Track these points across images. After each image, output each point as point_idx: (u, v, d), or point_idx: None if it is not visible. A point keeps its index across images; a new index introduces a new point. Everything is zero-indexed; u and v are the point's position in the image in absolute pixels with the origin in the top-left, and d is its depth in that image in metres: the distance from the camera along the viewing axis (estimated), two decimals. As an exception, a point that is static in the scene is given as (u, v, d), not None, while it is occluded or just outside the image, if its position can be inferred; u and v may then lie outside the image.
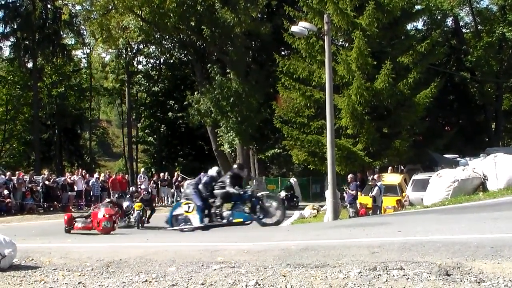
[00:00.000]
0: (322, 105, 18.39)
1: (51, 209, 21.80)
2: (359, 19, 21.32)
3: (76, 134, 43.36)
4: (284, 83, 23.09)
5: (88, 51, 43.60)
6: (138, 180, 27.39)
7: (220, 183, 12.12)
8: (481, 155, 22.16)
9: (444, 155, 26.84)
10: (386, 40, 22.86)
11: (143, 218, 17.10)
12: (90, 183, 23.59)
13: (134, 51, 39.47)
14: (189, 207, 12.05)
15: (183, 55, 37.36)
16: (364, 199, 17.25)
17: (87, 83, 43.68)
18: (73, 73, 42.27)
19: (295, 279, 4.26)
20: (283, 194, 24.26)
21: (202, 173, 13.17)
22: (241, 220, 11.85)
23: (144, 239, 8.74)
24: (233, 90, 26.38)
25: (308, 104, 22.80)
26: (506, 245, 5.08)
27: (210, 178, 12.25)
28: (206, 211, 12.03)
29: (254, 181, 29.18)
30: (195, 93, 29.26)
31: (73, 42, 42.33)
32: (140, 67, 43.66)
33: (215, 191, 12.05)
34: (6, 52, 39.05)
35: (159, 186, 26.12)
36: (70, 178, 23.78)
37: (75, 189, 23.10)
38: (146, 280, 4.50)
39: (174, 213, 12.45)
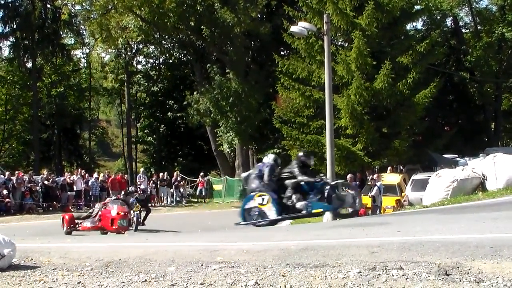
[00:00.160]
0: (322, 105, 18.39)
1: (51, 209, 21.82)
2: (358, 19, 21.31)
3: (76, 134, 43.34)
4: (284, 83, 23.09)
5: (87, 51, 43.64)
6: (137, 180, 27.39)
7: (288, 173, 11.58)
8: (480, 155, 22.15)
9: (444, 155, 26.84)
10: (385, 40, 22.86)
11: (139, 220, 16.27)
12: (90, 183, 23.61)
13: (134, 51, 39.51)
14: (263, 199, 11.33)
15: (182, 55, 37.38)
16: (364, 199, 17.23)
17: (87, 83, 43.66)
18: (73, 73, 42.26)
19: (294, 279, 4.26)
20: None
21: (260, 164, 12.35)
22: (320, 210, 11.36)
23: (143, 239, 8.74)
24: (233, 90, 26.40)
25: (308, 104, 22.79)
26: (505, 245, 5.09)
27: (271, 168, 11.61)
28: None
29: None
30: (195, 93, 29.28)
31: (72, 42, 42.32)
32: (139, 67, 43.73)
33: (286, 181, 11.44)
34: (6, 52, 39.11)
35: (158, 186, 26.14)
36: (69, 178, 23.79)
37: (75, 189, 23.12)
38: (145, 280, 4.49)
39: (246, 207, 11.70)
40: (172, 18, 26.85)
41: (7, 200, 20.34)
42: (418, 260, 4.72)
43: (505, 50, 35.86)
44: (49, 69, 38.61)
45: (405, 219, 10.72)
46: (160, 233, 12.89)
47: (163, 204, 25.80)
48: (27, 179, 21.92)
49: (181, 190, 27.75)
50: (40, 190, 21.86)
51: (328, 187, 11.29)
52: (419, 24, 36.45)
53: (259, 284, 4.14)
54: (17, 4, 35.34)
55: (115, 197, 16.92)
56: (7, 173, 22.32)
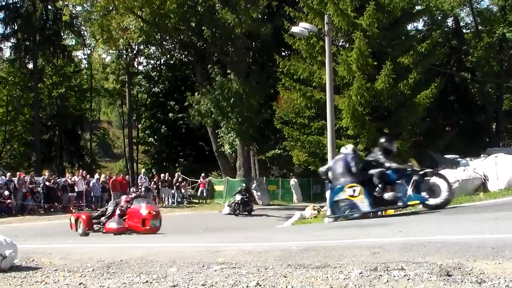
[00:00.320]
0: (323, 106, 18.37)
1: (52, 210, 21.86)
2: (359, 19, 21.31)
3: (77, 135, 43.40)
4: (285, 84, 23.10)
5: (88, 52, 43.76)
6: (138, 181, 27.44)
7: (372, 161, 10.95)
8: (481, 155, 22.11)
9: (445, 156, 26.83)
10: (386, 41, 22.84)
11: None
12: (91, 184, 23.63)
13: (135, 52, 39.55)
14: (354, 191, 10.64)
15: (183, 56, 37.42)
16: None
17: (88, 84, 43.73)
18: (74, 74, 42.36)
19: (295, 279, 4.26)
20: (238, 198, 22.09)
21: (341, 155, 11.45)
22: (417, 202, 10.64)
23: (145, 240, 8.75)
24: (234, 91, 26.39)
25: (309, 105, 22.78)
26: (507, 245, 5.08)
27: (354, 157, 10.94)
28: None
29: (254, 181, 29.22)
30: (196, 94, 29.27)
31: (73, 43, 42.44)
32: (140, 68, 43.81)
33: (371, 171, 10.79)
34: (7, 53, 39.23)
35: (159, 187, 26.16)
36: (70, 179, 23.82)
37: (76, 190, 23.13)
38: (147, 281, 4.50)
39: (336, 199, 10.99)
40: (173, 19, 26.85)
41: (8, 201, 20.36)
42: (419, 260, 4.72)
43: (506, 50, 35.83)
44: (50, 70, 38.70)
45: (407, 219, 10.71)
46: (161, 234, 12.88)
47: (164, 205, 25.81)
48: (28, 180, 21.95)
49: (182, 191, 27.79)
50: (41, 191, 21.89)
51: (417, 177, 10.59)
52: (420, 25, 36.55)
53: (260, 285, 4.14)
54: (18, 5, 35.44)
55: (135, 194, 15.90)
56: (8, 174, 22.35)
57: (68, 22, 36.95)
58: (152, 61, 43.34)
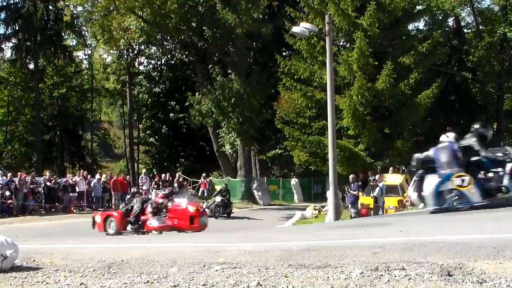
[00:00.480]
0: (324, 106, 18.37)
1: (53, 210, 21.85)
2: (360, 19, 21.30)
3: (78, 135, 43.42)
4: (285, 84, 23.10)
5: (89, 52, 43.77)
6: (139, 181, 27.45)
7: (467, 148, 10.38)
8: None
9: (446, 156, 26.76)
10: (387, 41, 22.83)
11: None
12: (92, 184, 23.62)
13: (136, 52, 39.54)
14: (463, 180, 9.98)
15: (184, 56, 37.42)
16: (366, 200, 17.23)
17: (89, 84, 43.74)
18: (75, 74, 42.38)
19: (296, 279, 4.26)
20: (218, 199, 21.08)
21: (445, 144, 10.68)
22: None
23: (145, 240, 8.75)
24: (234, 91, 26.41)
25: (310, 105, 22.78)
26: (508, 245, 5.08)
27: (458, 146, 10.23)
28: None
29: (255, 181, 29.23)
30: (196, 94, 29.28)
31: (74, 43, 42.43)
32: (141, 68, 43.83)
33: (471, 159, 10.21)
34: (8, 53, 39.22)
35: (160, 187, 26.13)
36: (71, 179, 23.81)
37: (77, 190, 23.11)
38: (147, 281, 4.50)
39: (441, 189, 10.30)
40: (174, 19, 26.86)
41: (9, 201, 20.36)
42: (420, 260, 4.72)
43: (507, 50, 35.75)
44: (51, 70, 38.72)
45: (407, 219, 10.71)
46: (162, 234, 12.88)
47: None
48: (29, 180, 21.94)
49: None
50: (42, 191, 21.88)
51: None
52: (420, 24, 36.44)
53: (261, 285, 4.14)
54: (19, 5, 35.44)
55: (168, 191, 14.89)
56: (9, 174, 22.32)
57: (69, 23, 36.97)
58: (153, 61, 43.37)
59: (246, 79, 27.30)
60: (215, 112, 26.91)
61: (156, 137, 42.51)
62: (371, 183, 17.35)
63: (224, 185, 24.02)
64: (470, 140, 10.45)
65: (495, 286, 3.83)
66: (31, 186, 21.57)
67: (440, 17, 36.43)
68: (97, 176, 25.27)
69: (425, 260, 4.73)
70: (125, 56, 38.46)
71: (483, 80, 35.74)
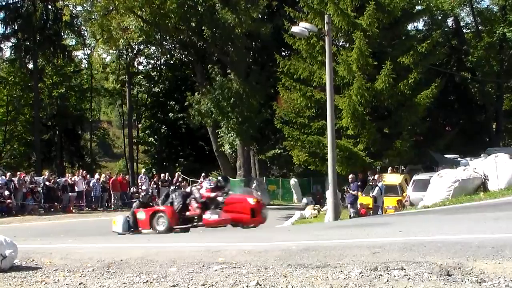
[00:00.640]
0: (323, 106, 18.37)
1: (52, 210, 21.83)
2: (359, 19, 21.31)
3: (77, 135, 43.36)
4: (285, 84, 23.10)
5: (88, 52, 43.67)
6: (138, 181, 27.43)
7: None
8: (481, 155, 22.13)
9: (445, 155, 26.84)
10: (386, 41, 22.85)
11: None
12: (91, 184, 23.60)
13: (135, 52, 39.48)
14: None
15: (183, 55, 37.38)
16: (365, 199, 17.24)
17: (88, 84, 43.68)
18: (74, 74, 42.31)
19: (296, 279, 4.26)
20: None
21: None
22: None
23: (145, 240, 8.75)
24: (234, 91, 26.38)
25: (309, 105, 22.79)
26: (507, 245, 5.08)
27: None
28: None
29: (254, 181, 29.21)
30: (196, 93, 29.24)
31: (73, 43, 42.37)
32: (140, 67, 43.73)
33: None
34: (7, 53, 39.15)
35: (159, 186, 26.12)
36: (70, 178, 23.79)
37: (76, 190, 23.10)
38: (147, 281, 4.50)
39: None
40: (173, 19, 26.83)
41: (8, 201, 20.34)
42: (419, 260, 4.72)
43: (506, 50, 35.79)
44: (50, 70, 38.66)
45: (407, 219, 10.73)
46: (161, 233, 12.86)
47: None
48: (28, 180, 21.92)
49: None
50: (41, 191, 21.87)
51: None
52: (420, 25, 36.47)
53: (260, 285, 4.14)
54: (19, 5, 35.42)
55: (213, 184, 13.58)
56: (8, 174, 22.32)
57: (68, 22, 36.89)
58: (152, 61, 43.30)
59: (245, 79, 27.27)
60: (215, 112, 26.89)
61: (156, 136, 42.46)
62: (370, 183, 17.36)
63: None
64: None
65: (494, 286, 3.83)
66: (30, 186, 21.55)
67: (440, 17, 36.47)
68: (96, 175, 25.25)
69: (424, 260, 4.74)
70: (125, 56, 38.40)
71: (482, 80, 35.78)
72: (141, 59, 42.61)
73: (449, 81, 33.28)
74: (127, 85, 39.91)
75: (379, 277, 4.18)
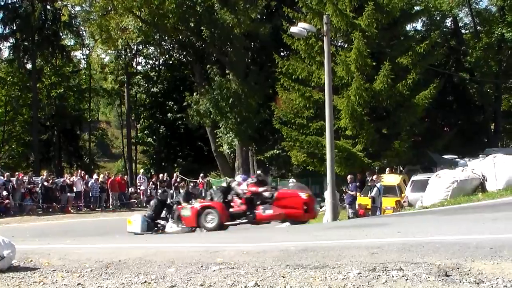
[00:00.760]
0: (321, 106, 18.38)
1: (50, 210, 21.80)
2: (358, 20, 21.33)
3: (75, 135, 43.30)
4: (283, 84, 23.11)
5: (87, 52, 43.55)
6: (137, 181, 27.42)
7: None
8: (480, 155, 22.12)
9: (443, 156, 26.84)
10: (385, 41, 22.86)
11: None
12: (89, 184, 23.59)
13: (133, 52, 39.50)
14: None
15: (182, 56, 37.35)
16: (363, 200, 17.25)
17: (87, 84, 43.62)
18: (72, 74, 42.25)
19: (294, 280, 4.26)
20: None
21: None
22: None
23: (143, 240, 8.74)
24: (232, 91, 26.39)
25: (307, 105, 22.81)
26: (505, 245, 5.09)
27: None
28: None
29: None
30: (194, 94, 29.24)
31: (72, 43, 42.31)
32: (139, 68, 43.70)
33: None
34: (5, 53, 39.07)
35: (158, 187, 26.11)
36: (69, 179, 23.76)
37: (74, 190, 23.07)
38: (145, 281, 4.50)
39: None
40: (172, 19, 26.83)
41: (6, 201, 20.31)
42: (418, 261, 4.72)
43: (505, 51, 35.82)
44: (49, 70, 38.61)
45: (405, 220, 10.73)
46: (160, 234, 12.86)
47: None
48: (26, 180, 21.89)
49: (181, 191, 27.71)
50: (39, 191, 21.83)
51: None
52: (418, 25, 36.47)
53: (259, 285, 4.14)
54: (17, 5, 35.35)
55: (256, 179, 13.05)
56: (6, 174, 22.27)
57: (67, 22, 36.82)
58: (151, 61, 43.27)
59: (244, 79, 27.28)
60: (213, 112, 26.89)
61: (154, 137, 42.43)
62: (369, 184, 17.37)
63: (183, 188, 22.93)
64: None
65: (492, 286, 3.83)
66: (29, 186, 21.52)
67: (438, 18, 36.49)
68: (95, 176, 25.21)
69: (422, 260, 4.74)
70: (123, 56, 38.37)
71: (481, 81, 35.81)
72: (140, 59, 42.66)
73: (447, 82, 33.30)
74: (125, 85, 39.89)
75: (378, 278, 4.18)
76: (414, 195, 17.76)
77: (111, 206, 24.01)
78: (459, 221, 8.64)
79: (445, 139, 26.77)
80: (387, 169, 21.54)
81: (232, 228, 12.21)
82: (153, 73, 42.68)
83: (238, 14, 25.78)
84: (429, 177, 17.42)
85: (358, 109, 20.67)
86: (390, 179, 19.97)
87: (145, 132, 43.32)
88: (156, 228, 13.16)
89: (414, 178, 19.29)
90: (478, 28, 37.47)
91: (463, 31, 39.40)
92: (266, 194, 12.01)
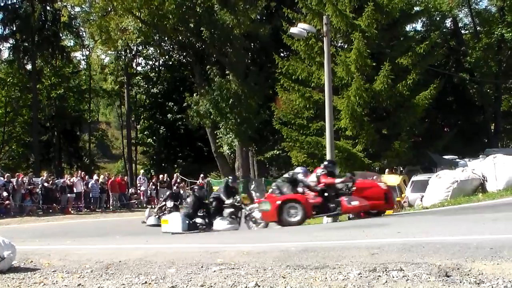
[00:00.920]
0: (321, 107, 18.39)
1: (50, 211, 21.81)
2: (358, 20, 21.33)
3: (75, 136, 43.31)
4: (283, 85, 23.10)
5: (87, 52, 43.57)
6: (137, 182, 27.42)
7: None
8: (480, 156, 22.11)
9: (443, 156, 26.81)
10: (385, 42, 22.85)
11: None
12: (89, 185, 23.59)
13: (133, 52, 39.51)
14: None
15: (182, 56, 37.38)
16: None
17: (86, 85, 43.62)
18: (72, 75, 42.25)
19: (294, 280, 4.26)
20: (170, 204, 16.33)
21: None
22: None
23: (143, 241, 8.74)
24: (232, 92, 26.40)
25: (307, 106, 22.80)
26: (505, 246, 5.08)
27: None
28: None
29: (253, 182, 29.18)
30: (194, 94, 29.26)
31: (72, 44, 42.32)
32: (139, 68, 43.73)
33: None
34: (5, 54, 39.08)
35: (158, 187, 26.12)
36: (69, 180, 23.77)
37: (74, 191, 23.08)
38: (145, 282, 4.50)
39: None
40: (172, 20, 26.84)
41: (7, 202, 20.32)
42: (418, 261, 4.72)
43: (505, 51, 35.81)
44: (48, 71, 38.61)
45: (405, 220, 10.73)
46: (160, 234, 12.85)
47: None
48: (27, 181, 21.89)
49: (181, 191, 27.73)
50: (40, 192, 21.84)
51: None
52: (418, 25, 36.43)
53: (259, 286, 4.14)
54: (17, 6, 35.35)
55: (324, 169, 12.29)
56: (6, 175, 22.28)
57: (67, 23, 36.86)
58: (150, 62, 43.32)
59: (244, 80, 27.29)
60: (213, 113, 26.90)
61: (154, 138, 42.45)
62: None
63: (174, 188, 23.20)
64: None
65: (492, 287, 3.83)
66: (29, 187, 21.53)
67: (438, 18, 36.48)
68: (95, 177, 25.22)
69: (423, 261, 4.74)
70: (123, 57, 38.37)
71: (481, 81, 35.80)
72: (140, 60, 42.70)
73: (447, 82, 33.27)
74: (125, 86, 39.90)
75: (378, 278, 4.18)
76: (414, 195, 17.76)
77: (111, 207, 24.01)
78: (459, 222, 8.64)
79: (445, 140, 26.76)
80: (386, 170, 21.54)
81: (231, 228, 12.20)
82: (153, 73, 42.70)
83: (238, 14, 25.80)
84: (429, 178, 17.42)
85: (358, 109, 20.67)
86: (390, 179, 19.95)
87: (145, 132, 43.33)
88: (200, 226, 12.48)
89: (414, 178, 19.29)
90: (478, 28, 37.46)
91: (463, 31, 39.40)
92: (340, 186, 11.65)
